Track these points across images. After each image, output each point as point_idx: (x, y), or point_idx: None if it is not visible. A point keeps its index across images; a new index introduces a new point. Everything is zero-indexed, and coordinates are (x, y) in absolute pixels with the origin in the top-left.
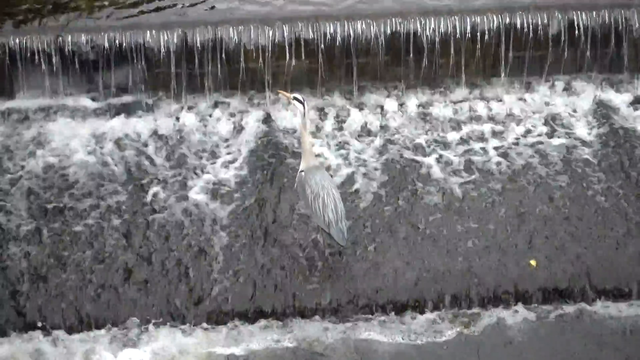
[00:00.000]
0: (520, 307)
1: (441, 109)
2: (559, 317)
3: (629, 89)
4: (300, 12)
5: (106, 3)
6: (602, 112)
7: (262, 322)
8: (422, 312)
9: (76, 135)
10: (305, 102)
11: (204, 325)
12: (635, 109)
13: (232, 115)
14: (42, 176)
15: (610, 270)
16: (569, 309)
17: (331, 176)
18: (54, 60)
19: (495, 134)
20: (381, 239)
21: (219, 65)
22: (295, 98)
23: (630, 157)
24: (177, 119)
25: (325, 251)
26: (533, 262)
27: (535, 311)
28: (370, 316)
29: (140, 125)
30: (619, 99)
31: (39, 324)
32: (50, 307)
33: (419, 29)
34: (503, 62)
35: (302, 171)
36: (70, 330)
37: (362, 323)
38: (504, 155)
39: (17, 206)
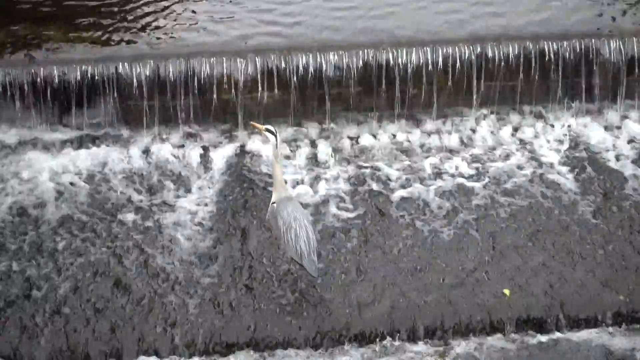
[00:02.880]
0: (495, 336)
1: (414, 139)
2: (533, 345)
3: (600, 117)
4: (273, 43)
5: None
6: (574, 140)
7: (237, 353)
8: (396, 343)
9: (49, 167)
10: (277, 133)
11: (178, 358)
12: (607, 137)
13: (204, 147)
14: (13, 209)
15: (583, 299)
16: (544, 337)
17: (303, 207)
18: (26, 93)
19: (468, 163)
20: (354, 269)
21: (191, 97)
22: (267, 129)
23: (603, 186)
24: (150, 150)
25: (298, 282)
26: (507, 292)
27: (510, 340)
28: (344, 346)
29: (113, 157)
30: (591, 127)
31: None
32: (21, 343)
33: (391, 60)
34: (475, 92)
35: (274, 202)
36: None
37: (336, 353)
38: (477, 185)
39: None
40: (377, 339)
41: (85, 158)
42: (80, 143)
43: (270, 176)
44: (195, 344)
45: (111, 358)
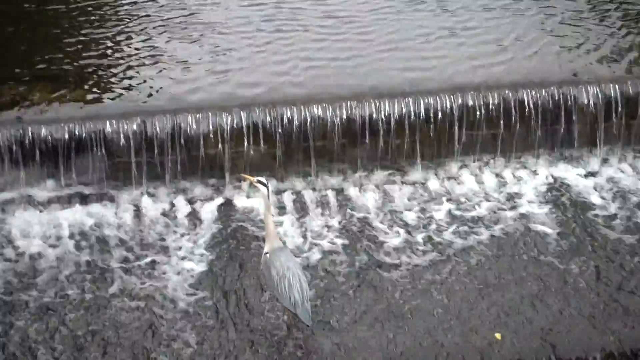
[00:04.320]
0: None
1: (398, 190)
2: None
3: (580, 163)
4: (257, 97)
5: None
6: (556, 187)
7: None
8: None
9: (37, 225)
10: (268, 184)
11: None
12: (588, 183)
13: (192, 201)
14: (4, 269)
15: (574, 340)
16: None
17: (296, 257)
18: (14, 152)
19: (452, 212)
20: (348, 318)
21: (178, 153)
22: (258, 181)
23: (587, 230)
24: (138, 207)
25: (293, 332)
26: (498, 336)
27: None
28: None
29: (101, 214)
30: (571, 174)
31: None
32: None
33: (374, 112)
34: (457, 141)
35: (266, 253)
36: None
37: None
38: (463, 232)
39: None
40: None
41: (74, 215)
42: (69, 200)
43: (258, 229)
44: None
45: None
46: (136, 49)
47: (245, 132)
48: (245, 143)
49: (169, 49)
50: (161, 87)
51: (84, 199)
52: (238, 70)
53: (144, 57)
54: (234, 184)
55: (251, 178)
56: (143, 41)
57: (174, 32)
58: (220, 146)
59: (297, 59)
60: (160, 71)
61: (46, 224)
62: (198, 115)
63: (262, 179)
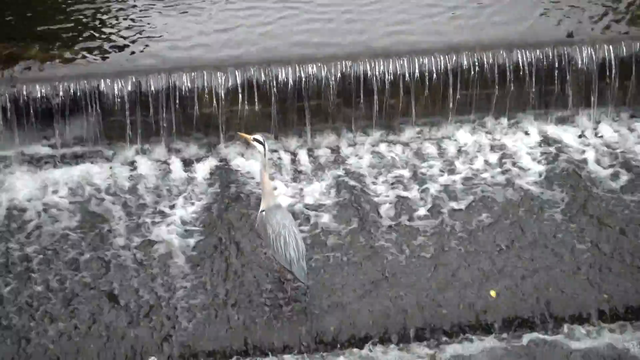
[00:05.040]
0: (483, 337)
1: (393, 149)
2: (522, 345)
3: (574, 123)
4: (252, 56)
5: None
6: (550, 147)
7: None
8: (387, 346)
9: (32, 184)
10: (265, 142)
11: None
12: (582, 143)
13: (187, 160)
14: None
15: (568, 298)
16: (532, 337)
17: (291, 215)
18: (9, 110)
19: (446, 171)
20: (342, 276)
21: (173, 112)
22: (255, 139)
23: (581, 190)
24: (134, 165)
25: (288, 289)
26: (493, 293)
27: (499, 340)
28: (336, 351)
29: (96, 172)
30: (565, 134)
31: None
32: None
33: (369, 71)
34: (451, 101)
35: (262, 211)
36: None
37: (328, 358)
38: (457, 192)
39: None
40: (369, 343)
41: (69, 175)
42: (63, 159)
43: (253, 187)
44: (189, 355)
45: None
46: (132, 6)
47: (240, 91)
48: (240, 102)
49: (166, 8)
50: (156, 46)
51: (79, 158)
52: (234, 28)
53: (139, 16)
54: (228, 142)
55: (247, 136)
56: None
57: None
58: (215, 105)
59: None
60: (156, 29)
61: (41, 183)
62: (193, 74)
63: (259, 137)
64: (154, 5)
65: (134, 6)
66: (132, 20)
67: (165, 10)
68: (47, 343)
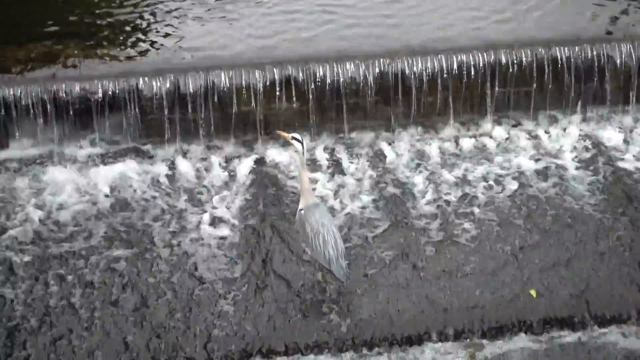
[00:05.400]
0: (522, 336)
1: (431, 146)
2: (561, 345)
3: (613, 121)
4: (291, 54)
5: (96, 53)
6: (589, 145)
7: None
8: (426, 345)
9: (71, 183)
10: (303, 141)
11: None
12: (621, 141)
13: (226, 158)
14: (39, 226)
15: (609, 298)
16: (571, 337)
17: (330, 214)
18: (48, 109)
19: (485, 169)
20: (381, 275)
21: (211, 110)
22: (294, 137)
23: (621, 188)
24: (172, 164)
25: (327, 288)
26: (533, 292)
27: (538, 340)
28: (374, 350)
29: (134, 171)
30: (604, 132)
31: None
32: (56, 353)
33: (407, 69)
34: (489, 99)
35: (301, 209)
36: None
37: (367, 357)
38: (496, 190)
39: (17, 255)
40: (407, 343)
41: (108, 173)
42: (102, 158)
43: (291, 185)
44: (230, 354)
45: None
46: (173, 9)
47: (278, 89)
48: (278, 100)
49: (204, 7)
50: (195, 44)
51: (117, 156)
52: (273, 36)
53: (178, 15)
54: (267, 140)
55: (286, 135)
56: None
57: None
58: (253, 103)
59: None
60: (194, 28)
61: (80, 181)
62: (231, 72)
63: (297, 136)
64: (193, 8)
65: (175, 8)
66: (171, 20)
67: (205, 14)
68: (90, 341)
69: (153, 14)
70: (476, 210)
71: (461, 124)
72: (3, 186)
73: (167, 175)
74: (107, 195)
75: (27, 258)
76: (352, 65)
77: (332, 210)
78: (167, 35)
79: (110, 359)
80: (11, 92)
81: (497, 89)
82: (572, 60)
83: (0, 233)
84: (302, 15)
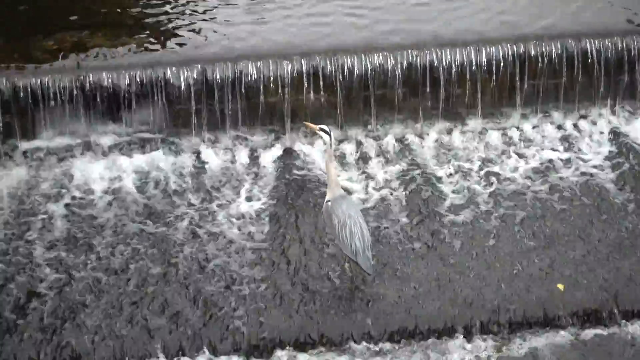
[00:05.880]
0: (550, 330)
1: (459, 138)
2: (589, 339)
3: None
4: (318, 45)
5: (123, 42)
6: (619, 139)
7: (292, 352)
8: (453, 339)
9: (99, 172)
10: (331, 132)
11: (237, 357)
12: None
13: (252, 149)
14: (67, 215)
15: (637, 293)
16: (599, 331)
17: (357, 205)
18: (75, 99)
19: (513, 162)
20: (408, 267)
21: (238, 100)
22: (321, 129)
23: None
24: (199, 154)
25: (353, 280)
26: (561, 286)
27: (565, 335)
28: (400, 343)
29: (161, 161)
30: (633, 125)
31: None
32: (82, 340)
33: (435, 61)
34: (518, 91)
35: (328, 201)
36: None
37: (393, 350)
38: (524, 184)
39: (47, 244)
40: (433, 336)
41: (135, 163)
42: (129, 148)
43: (317, 176)
44: (254, 343)
45: (173, 357)
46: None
47: (305, 80)
48: (306, 91)
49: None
50: (223, 35)
51: (144, 146)
52: (300, 17)
53: (208, 6)
54: (293, 131)
55: (314, 126)
56: None
57: None
58: (280, 94)
59: None
60: (222, 18)
61: (107, 170)
62: (259, 62)
63: (325, 127)
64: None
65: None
66: (199, 11)
67: (232, 6)
68: (116, 328)
69: (182, 4)
70: (503, 202)
71: (489, 116)
72: (31, 176)
73: (193, 166)
74: (133, 184)
75: (52, 247)
76: (381, 56)
77: (359, 201)
78: (195, 25)
79: (135, 346)
80: (39, 82)
81: (526, 81)
82: (602, 53)
83: (28, 223)
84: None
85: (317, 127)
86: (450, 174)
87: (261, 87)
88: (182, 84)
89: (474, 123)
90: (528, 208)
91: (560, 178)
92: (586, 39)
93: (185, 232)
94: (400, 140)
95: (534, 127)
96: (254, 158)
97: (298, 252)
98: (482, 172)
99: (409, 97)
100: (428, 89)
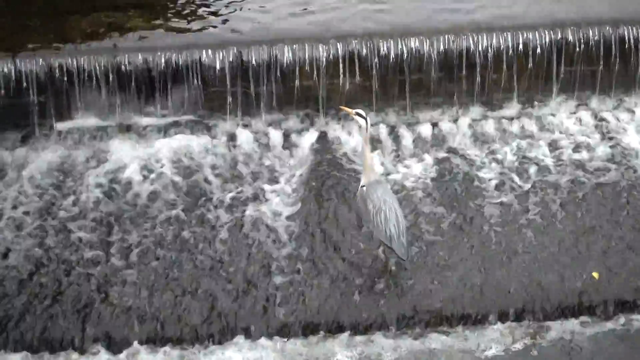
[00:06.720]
0: (585, 318)
1: (494, 124)
2: (624, 328)
3: None
4: (355, 29)
5: (159, 24)
6: None
7: (328, 337)
8: (487, 325)
9: (134, 154)
10: (367, 117)
11: (270, 340)
12: None
13: (287, 133)
14: (100, 195)
15: None
16: (635, 319)
17: (392, 191)
18: (110, 80)
19: (550, 149)
20: (443, 253)
21: (274, 84)
22: (357, 113)
23: None
24: (233, 137)
25: (388, 265)
26: (596, 275)
27: (601, 322)
28: (435, 328)
29: (196, 144)
30: None
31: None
32: (115, 322)
33: (472, 46)
34: (555, 78)
35: (363, 186)
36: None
37: (427, 335)
38: (560, 169)
39: (80, 225)
40: (468, 322)
41: (169, 145)
42: (164, 130)
43: (352, 161)
44: (288, 327)
45: (204, 340)
46: None
47: (341, 64)
48: (341, 75)
49: None
50: (259, 18)
51: (179, 128)
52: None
53: None
54: (328, 116)
55: (350, 110)
56: None
57: None
58: (315, 77)
59: None
60: (259, 4)
61: (142, 152)
62: (294, 46)
63: (361, 112)
64: None
65: None
66: None
67: None
68: (149, 311)
69: None
70: (538, 190)
71: (525, 103)
72: (66, 157)
73: (227, 148)
74: (168, 166)
75: (88, 228)
76: (417, 41)
77: (393, 187)
78: (231, 8)
79: (166, 328)
80: (75, 63)
81: (563, 67)
82: (639, 39)
83: (63, 203)
84: None
85: (354, 111)
86: (485, 160)
87: (297, 71)
88: (218, 66)
89: (510, 108)
90: (564, 198)
91: (595, 165)
92: (624, 25)
93: (219, 216)
94: (435, 125)
95: (570, 114)
96: (288, 142)
97: (332, 236)
98: (516, 158)
99: (445, 82)
100: (464, 74)
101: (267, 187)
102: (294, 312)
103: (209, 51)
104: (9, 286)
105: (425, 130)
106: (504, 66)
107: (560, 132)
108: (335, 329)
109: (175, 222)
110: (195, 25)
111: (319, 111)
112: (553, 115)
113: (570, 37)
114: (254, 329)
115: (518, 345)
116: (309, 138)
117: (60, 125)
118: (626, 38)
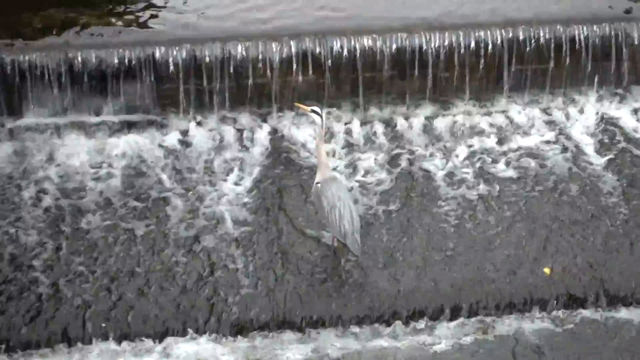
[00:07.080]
0: (536, 314)
1: (446, 122)
2: (575, 323)
3: (629, 101)
4: (307, 27)
5: (112, 21)
6: (605, 124)
7: (280, 332)
8: (439, 320)
9: (85, 152)
10: (322, 114)
11: (223, 337)
12: (636, 120)
13: (240, 130)
14: (53, 195)
15: (623, 277)
16: (585, 315)
17: (346, 188)
18: (63, 77)
19: (499, 146)
20: (395, 250)
21: (227, 81)
22: (313, 110)
23: (636, 168)
24: (186, 134)
25: (341, 262)
26: (547, 270)
27: (552, 318)
28: (387, 325)
29: (149, 141)
30: (621, 111)
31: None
32: (67, 320)
33: (424, 44)
34: (506, 76)
35: (318, 183)
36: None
37: (379, 332)
38: (510, 167)
39: (33, 223)
40: (420, 318)
41: (121, 142)
42: (117, 127)
43: (305, 158)
44: (240, 324)
45: (155, 338)
46: None
47: (294, 62)
48: (294, 72)
49: None
50: (212, 15)
51: (132, 126)
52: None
53: None
54: (281, 113)
55: (305, 107)
56: None
57: None
58: (269, 75)
59: None
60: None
61: (93, 149)
62: (248, 43)
63: (316, 109)
64: None
65: None
66: None
67: None
68: (106, 313)
69: None
70: (490, 188)
71: (477, 101)
72: (17, 154)
73: (181, 145)
74: (118, 165)
75: (40, 228)
76: (370, 39)
77: (348, 184)
78: (184, 5)
79: (120, 328)
80: (27, 59)
81: (514, 65)
82: (589, 39)
83: (13, 203)
84: None
85: (309, 108)
86: (437, 156)
87: (250, 68)
88: (171, 63)
89: (461, 107)
90: (515, 193)
91: (548, 163)
92: (575, 24)
93: (171, 213)
94: (387, 122)
95: (521, 112)
96: (241, 138)
97: (286, 233)
98: (469, 156)
99: (397, 80)
100: (416, 72)
101: (219, 183)
102: (246, 310)
103: (162, 48)
104: None
105: (378, 127)
106: (456, 65)
107: (512, 130)
108: (286, 326)
109: (124, 222)
110: (149, 22)
111: (273, 108)
112: (504, 112)
113: (522, 36)
114: (202, 327)
115: (468, 340)
116: (263, 134)
117: (11, 123)
118: (576, 37)
